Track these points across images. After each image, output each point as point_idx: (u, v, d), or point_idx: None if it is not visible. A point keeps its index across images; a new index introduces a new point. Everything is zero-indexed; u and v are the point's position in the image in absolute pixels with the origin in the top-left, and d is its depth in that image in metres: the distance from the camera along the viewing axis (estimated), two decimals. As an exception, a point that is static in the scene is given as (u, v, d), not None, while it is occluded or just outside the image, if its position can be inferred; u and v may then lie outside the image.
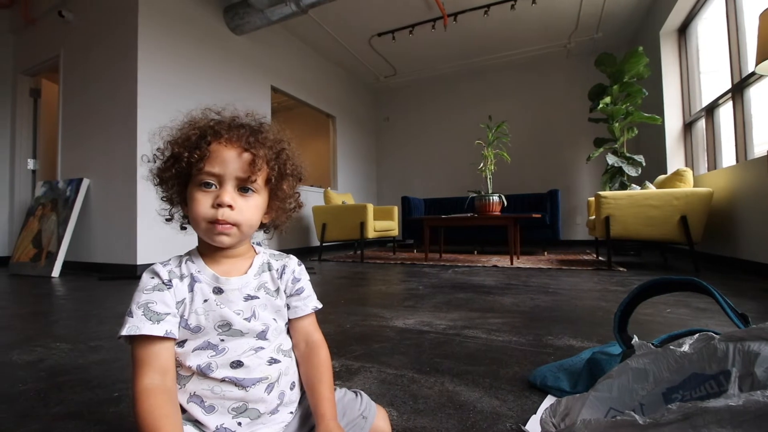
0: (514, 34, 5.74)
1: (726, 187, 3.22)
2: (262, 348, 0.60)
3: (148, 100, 3.57)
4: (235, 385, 0.56)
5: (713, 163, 3.81)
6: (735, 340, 0.51)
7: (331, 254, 5.46)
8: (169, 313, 0.55)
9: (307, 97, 5.93)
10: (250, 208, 0.60)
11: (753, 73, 2.96)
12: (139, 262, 3.41)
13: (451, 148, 7.28)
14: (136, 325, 0.53)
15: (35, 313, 2.03)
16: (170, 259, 0.61)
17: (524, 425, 0.79)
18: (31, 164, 4.65)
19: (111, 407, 0.91)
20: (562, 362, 1.04)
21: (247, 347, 0.58)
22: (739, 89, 3.19)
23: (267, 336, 0.61)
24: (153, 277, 0.57)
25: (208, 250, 0.62)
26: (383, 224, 5.21)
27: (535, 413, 0.84)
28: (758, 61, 2.15)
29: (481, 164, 4.39)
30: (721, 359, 0.51)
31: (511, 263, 3.84)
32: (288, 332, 0.67)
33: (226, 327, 0.58)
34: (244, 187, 0.59)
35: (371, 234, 4.86)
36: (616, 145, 4.68)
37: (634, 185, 4.15)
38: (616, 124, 4.61)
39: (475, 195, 4.29)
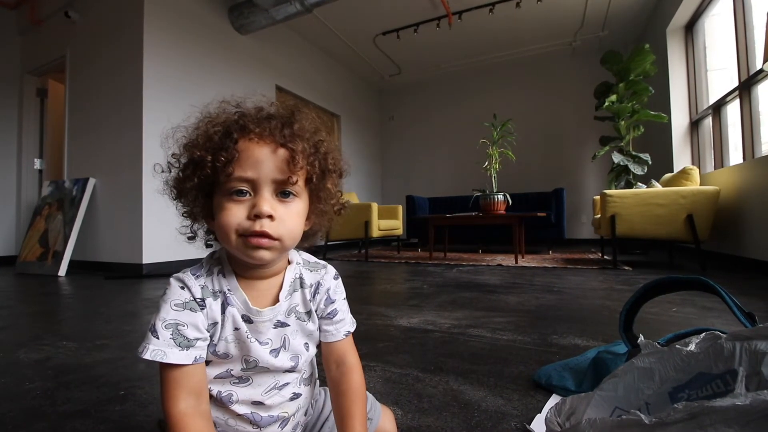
0: (519, 32, 5.72)
1: (733, 185, 3.20)
2: (287, 384, 0.56)
3: (154, 99, 3.59)
4: (251, 423, 0.53)
5: (720, 161, 3.78)
6: (742, 339, 0.50)
7: (336, 253, 5.46)
8: (200, 338, 0.49)
9: (311, 97, 5.94)
10: (292, 217, 0.51)
11: (761, 71, 2.93)
12: (145, 261, 3.43)
13: (456, 147, 7.28)
14: (162, 350, 0.47)
15: (42, 312, 2.05)
16: (201, 266, 0.54)
17: (529, 424, 0.79)
18: (37, 164, 4.68)
19: (117, 405, 0.91)
20: (567, 361, 1.03)
21: (272, 383, 0.55)
22: (746, 87, 3.17)
23: (295, 369, 0.56)
24: (183, 289, 0.50)
25: (240, 266, 0.54)
26: (388, 223, 5.21)
27: (540, 412, 0.84)
28: (766, 59, 2.13)
29: (486, 163, 4.38)
30: (727, 358, 0.50)
31: (516, 262, 3.83)
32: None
33: (252, 363, 0.53)
34: (283, 191, 0.51)
35: (376, 233, 4.86)
36: (622, 144, 4.66)
37: (639, 184, 4.13)
38: (622, 123, 4.59)
39: (479, 194, 4.28)
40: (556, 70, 6.56)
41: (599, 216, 3.59)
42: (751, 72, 3.10)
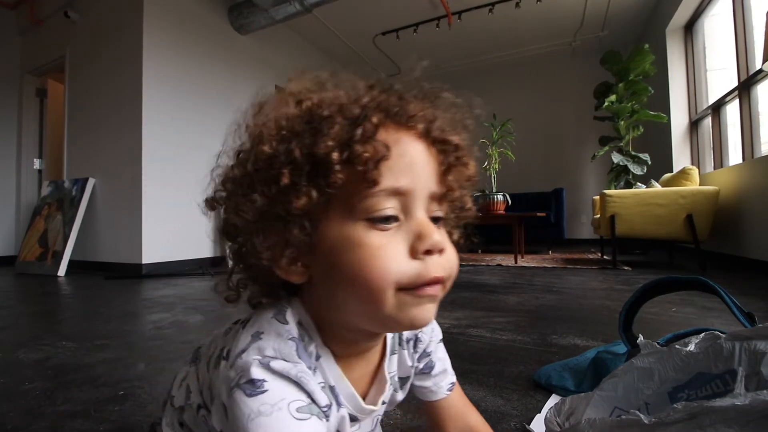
0: (519, 33, 5.72)
1: (732, 185, 3.20)
2: None
3: (154, 99, 3.59)
4: None
5: (720, 161, 3.78)
6: (741, 339, 0.50)
7: (336, 253, 5.45)
8: None
9: (311, 97, 5.93)
10: (452, 248, 0.36)
11: (760, 71, 2.93)
12: (144, 261, 3.43)
13: (456, 147, 7.26)
14: None
15: (42, 312, 2.05)
16: (298, 340, 0.35)
17: (529, 424, 0.79)
18: (37, 164, 4.68)
19: (117, 405, 0.91)
20: (567, 361, 1.03)
21: None
22: (746, 87, 3.17)
23: None
24: (299, 390, 0.32)
25: (339, 341, 0.37)
26: (387, 223, 5.19)
27: (539, 412, 0.83)
28: (765, 59, 2.13)
29: (486, 163, 4.37)
30: (727, 358, 0.50)
31: (516, 262, 3.83)
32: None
33: None
34: (435, 214, 0.36)
35: (375, 233, 4.84)
36: (622, 144, 4.66)
37: (639, 184, 4.13)
38: (622, 123, 4.59)
39: (479, 194, 4.28)
40: (556, 70, 6.56)
41: (599, 216, 3.60)
42: (751, 72, 3.10)
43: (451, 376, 0.50)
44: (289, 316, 0.36)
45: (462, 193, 0.39)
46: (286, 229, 0.32)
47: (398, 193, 0.32)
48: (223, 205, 0.36)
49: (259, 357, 0.32)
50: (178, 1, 3.88)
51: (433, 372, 0.47)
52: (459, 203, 0.40)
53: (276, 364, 0.31)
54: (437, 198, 0.35)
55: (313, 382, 0.32)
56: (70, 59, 4.11)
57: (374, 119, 0.31)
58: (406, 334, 0.45)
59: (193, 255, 3.85)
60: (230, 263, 0.38)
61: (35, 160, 4.68)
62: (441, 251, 0.33)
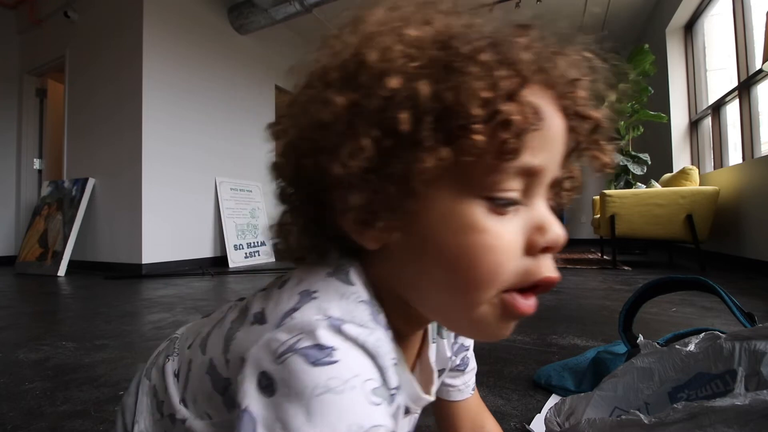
0: (518, 33, 5.72)
1: (732, 185, 3.20)
2: None
3: (154, 99, 3.59)
4: None
5: (719, 161, 3.78)
6: (741, 339, 0.50)
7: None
8: None
9: (311, 97, 5.93)
10: None
11: (760, 71, 2.93)
12: (144, 261, 3.43)
13: (455, 147, 7.26)
14: None
15: (41, 311, 2.05)
16: (371, 306, 0.28)
17: (528, 424, 0.79)
18: (37, 164, 4.68)
19: (117, 405, 0.91)
20: (566, 361, 1.03)
21: None
22: (745, 87, 3.17)
23: None
24: (374, 367, 0.25)
25: (401, 315, 0.31)
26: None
27: (539, 412, 0.83)
28: (765, 59, 2.13)
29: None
30: (726, 358, 0.50)
31: (516, 262, 3.82)
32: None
33: None
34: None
35: (375, 233, 4.84)
36: (622, 144, 4.66)
37: (639, 184, 4.13)
38: (622, 123, 4.59)
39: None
40: (556, 70, 6.56)
41: (599, 216, 3.59)
42: (751, 72, 3.10)
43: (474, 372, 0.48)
44: (354, 276, 0.29)
45: (580, 183, 0.33)
46: (385, 188, 0.25)
47: (529, 173, 0.26)
48: (296, 139, 0.28)
49: (323, 317, 0.25)
50: (178, 1, 3.88)
51: (467, 369, 0.44)
52: (575, 193, 0.34)
53: (350, 329, 0.25)
54: (554, 184, 0.29)
55: (388, 357, 0.26)
56: (69, 59, 4.11)
57: (524, 68, 0.25)
58: None
59: (193, 255, 3.85)
60: (281, 207, 0.31)
61: (35, 160, 4.68)
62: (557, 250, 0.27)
